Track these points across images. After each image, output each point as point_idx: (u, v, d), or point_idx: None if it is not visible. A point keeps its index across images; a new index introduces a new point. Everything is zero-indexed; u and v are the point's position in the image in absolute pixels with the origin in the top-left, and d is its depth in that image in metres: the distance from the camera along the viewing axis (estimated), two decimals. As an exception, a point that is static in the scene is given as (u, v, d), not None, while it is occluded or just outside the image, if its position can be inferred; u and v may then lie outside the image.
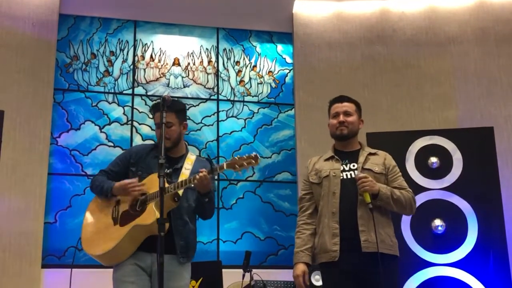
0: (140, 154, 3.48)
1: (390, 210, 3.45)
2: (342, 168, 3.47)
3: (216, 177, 6.52)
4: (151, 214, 3.14)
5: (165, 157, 3.33)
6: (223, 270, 5.00)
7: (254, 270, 5.06)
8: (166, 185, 3.14)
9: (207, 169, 3.36)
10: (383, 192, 3.32)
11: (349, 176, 3.43)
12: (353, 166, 3.44)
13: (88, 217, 3.45)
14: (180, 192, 3.24)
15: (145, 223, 3.15)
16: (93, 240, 3.32)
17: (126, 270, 3.24)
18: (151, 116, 6.45)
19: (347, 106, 3.60)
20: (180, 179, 3.28)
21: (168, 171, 3.27)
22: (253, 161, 3.13)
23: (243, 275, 4.98)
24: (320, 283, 4.89)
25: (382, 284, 3.20)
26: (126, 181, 3.30)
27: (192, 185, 3.18)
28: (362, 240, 3.27)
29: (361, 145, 3.59)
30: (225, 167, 3.14)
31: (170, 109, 3.31)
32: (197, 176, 3.13)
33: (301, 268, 3.38)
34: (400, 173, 3.52)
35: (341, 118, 3.52)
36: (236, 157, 3.16)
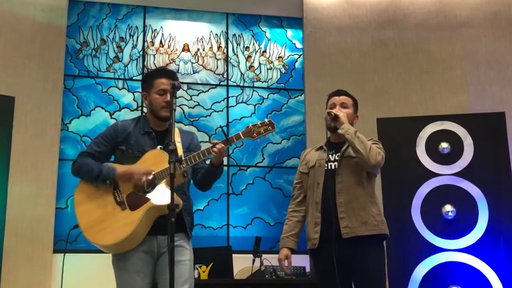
0: (127, 131, 3.28)
1: (369, 182, 3.52)
2: (328, 159, 3.56)
3: (225, 162, 6.57)
4: (166, 193, 2.99)
5: (153, 131, 3.29)
6: (233, 255, 5.02)
7: (264, 256, 5.08)
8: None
9: (194, 141, 3.38)
10: (347, 124, 3.45)
11: (333, 167, 3.52)
12: (338, 156, 3.54)
13: (83, 205, 3.20)
14: None
15: (162, 204, 3.00)
16: (102, 229, 3.10)
17: (131, 258, 3.10)
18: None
19: (344, 99, 3.67)
20: (178, 152, 3.10)
21: (160, 147, 3.25)
22: (270, 128, 3.15)
23: (253, 260, 5.01)
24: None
25: (365, 265, 3.36)
26: (133, 169, 3.12)
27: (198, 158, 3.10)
28: (342, 226, 3.38)
29: None
30: (242, 136, 3.13)
31: (174, 77, 3.26)
32: (216, 149, 3.08)
33: (284, 252, 3.60)
34: (375, 141, 3.57)
35: (337, 108, 3.60)
36: (249, 125, 3.15)
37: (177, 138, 3.23)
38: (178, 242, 3.14)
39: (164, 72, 3.36)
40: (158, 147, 3.25)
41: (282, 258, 3.59)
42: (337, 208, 3.41)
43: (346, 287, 3.45)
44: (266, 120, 3.18)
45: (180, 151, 3.15)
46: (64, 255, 4.23)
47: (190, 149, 3.25)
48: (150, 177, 3.10)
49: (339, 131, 3.45)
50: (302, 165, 3.72)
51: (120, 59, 6.60)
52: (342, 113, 3.51)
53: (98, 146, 3.31)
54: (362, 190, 3.47)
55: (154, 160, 3.12)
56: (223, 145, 3.09)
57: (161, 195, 3.05)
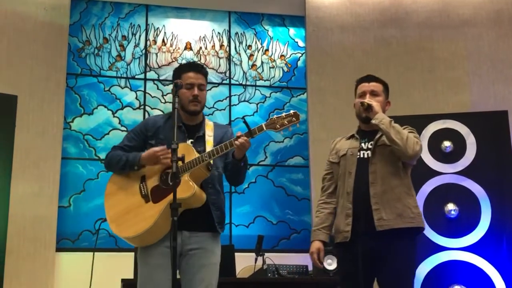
0: (157, 125, 3.31)
1: (405, 173, 3.33)
2: (360, 147, 3.38)
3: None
4: (188, 186, 2.98)
5: (184, 126, 3.29)
6: (236, 254, 5.01)
7: (266, 254, 5.07)
8: (196, 154, 3.06)
9: (228, 134, 3.32)
10: (381, 113, 3.28)
11: (365, 156, 3.34)
12: (371, 145, 3.36)
13: (111, 197, 3.24)
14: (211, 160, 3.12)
15: (183, 197, 2.97)
16: (124, 221, 3.13)
17: (154, 252, 3.12)
18: (163, 101, 6.51)
19: (374, 86, 3.49)
20: (207, 147, 3.17)
21: (190, 141, 3.25)
22: (294, 119, 3.05)
23: (256, 259, 5.00)
24: (332, 267, 4.92)
25: (397, 261, 3.17)
26: (156, 148, 3.13)
27: (224, 151, 3.07)
28: (376, 219, 3.19)
29: None
30: (264, 128, 3.06)
31: (202, 71, 3.29)
32: (237, 142, 3.03)
33: (316, 245, 3.39)
34: (411, 129, 3.39)
35: (367, 97, 3.41)
36: (273, 117, 3.07)
37: (209, 132, 3.27)
38: (202, 244, 3.16)
39: (192, 66, 3.37)
40: (189, 141, 3.24)
41: (314, 251, 3.37)
42: (370, 199, 3.23)
43: (368, 282, 3.28)
44: (291, 111, 3.08)
45: (209, 145, 3.18)
46: (94, 254, 4.18)
47: (223, 142, 3.18)
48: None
49: (373, 121, 3.26)
50: (332, 155, 3.52)
51: (123, 58, 6.60)
52: (375, 103, 3.32)
53: (129, 140, 3.34)
54: (398, 181, 3.28)
55: (181, 153, 3.02)
56: (246, 138, 3.05)
57: (184, 188, 3.03)
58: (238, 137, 3.06)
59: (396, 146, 3.21)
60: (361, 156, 3.35)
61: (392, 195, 3.24)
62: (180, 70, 3.35)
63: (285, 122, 3.05)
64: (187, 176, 3.03)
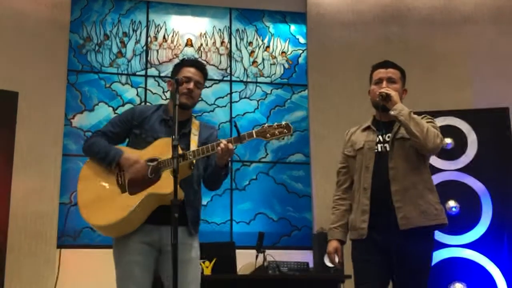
0: (144, 116, 3.27)
1: (425, 167, 3.22)
2: (377, 140, 3.25)
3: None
4: (169, 182, 2.88)
5: (171, 119, 3.18)
6: (237, 251, 5.03)
7: (267, 251, 5.09)
8: (180, 151, 2.95)
9: (213, 136, 3.27)
10: (400, 104, 3.14)
11: (383, 149, 3.20)
12: (388, 137, 3.23)
13: (86, 182, 3.16)
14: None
15: (162, 192, 2.95)
16: (97, 209, 3.06)
17: (131, 247, 3.06)
18: (164, 97, 6.50)
19: (391, 72, 3.35)
20: (191, 145, 3.13)
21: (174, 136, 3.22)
22: (286, 131, 3.01)
23: (257, 256, 5.02)
24: (331, 264, 4.92)
25: (417, 258, 3.08)
26: (138, 159, 3.08)
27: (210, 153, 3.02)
28: (399, 217, 3.07)
29: None
30: (254, 135, 3.01)
31: (203, 71, 3.29)
32: (219, 148, 2.98)
33: (333, 245, 3.29)
34: (429, 118, 3.28)
35: (384, 85, 3.27)
36: (265, 126, 3.04)
37: (195, 131, 3.24)
38: (180, 239, 3.11)
39: (194, 63, 3.37)
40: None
41: (331, 251, 3.26)
42: (391, 196, 3.09)
43: (384, 279, 3.19)
44: (283, 122, 3.05)
45: (193, 143, 3.15)
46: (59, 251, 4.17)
47: (207, 143, 3.15)
48: (155, 163, 3.06)
49: (392, 112, 3.10)
50: (347, 147, 3.37)
51: (123, 54, 6.60)
52: (394, 92, 3.17)
53: (113, 126, 3.32)
54: (419, 176, 3.15)
55: (164, 148, 3.05)
56: (225, 143, 2.98)
57: (164, 183, 2.99)
58: (221, 142, 3.01)
59: (415, 139, 3.08)
60: (379, 150, 3.22)
61: (415, 192, 3.13)
62: (182, 64, 3.36)
63: (276, 132, 3.02)
64: (169, 173, 2.95)
